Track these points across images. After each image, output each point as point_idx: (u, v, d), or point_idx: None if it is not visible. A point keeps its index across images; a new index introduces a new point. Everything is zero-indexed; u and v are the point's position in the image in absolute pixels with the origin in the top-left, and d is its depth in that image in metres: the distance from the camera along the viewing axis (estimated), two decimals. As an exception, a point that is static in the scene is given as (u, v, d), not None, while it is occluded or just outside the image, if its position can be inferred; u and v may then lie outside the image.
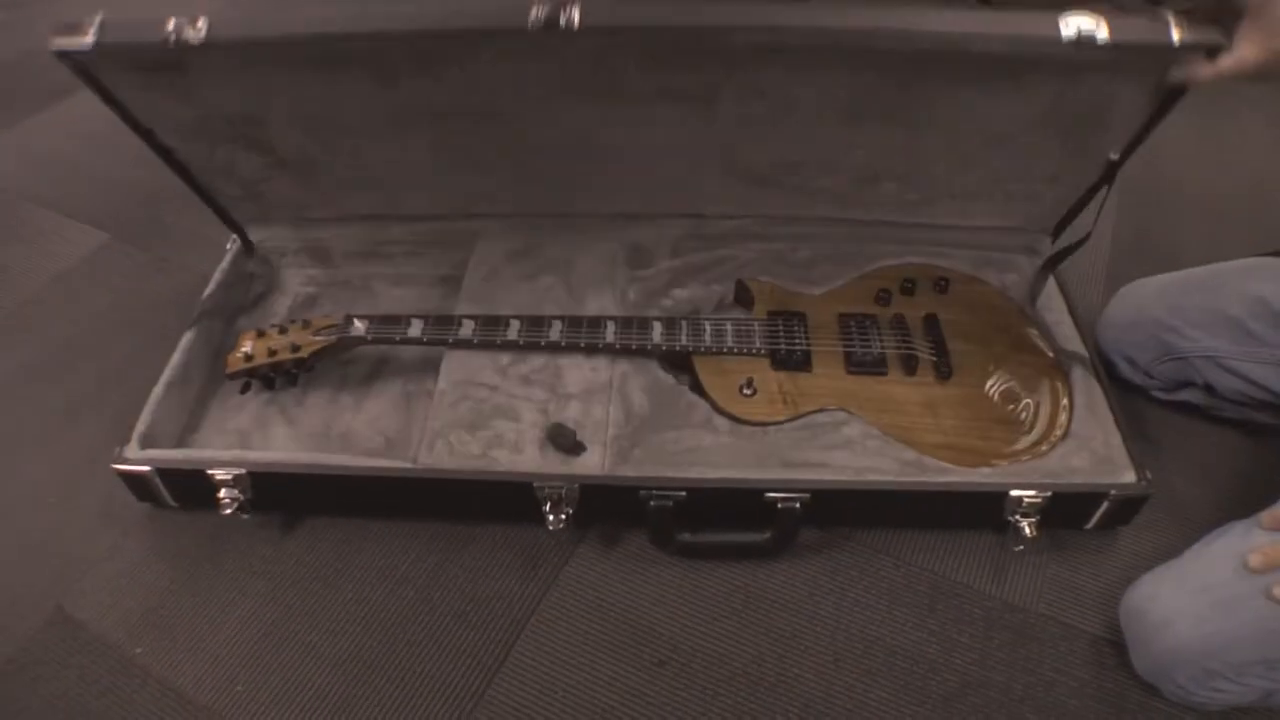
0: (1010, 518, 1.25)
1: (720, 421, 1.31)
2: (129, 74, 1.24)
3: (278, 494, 1.32)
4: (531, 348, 1.39)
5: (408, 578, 1.30)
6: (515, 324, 1.39)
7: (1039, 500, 1.23)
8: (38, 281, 1.77)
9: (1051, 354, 1.41)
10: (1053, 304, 1.48)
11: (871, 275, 1.52)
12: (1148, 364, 1.44)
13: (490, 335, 1.39)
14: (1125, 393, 1.46)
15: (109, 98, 1.27)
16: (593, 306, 1.47)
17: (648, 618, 1.25)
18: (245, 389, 1.44)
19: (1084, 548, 1.32)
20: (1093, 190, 1.44)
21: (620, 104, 1.31)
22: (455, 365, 1.39)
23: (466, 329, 1.40)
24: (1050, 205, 1.51)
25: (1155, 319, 1.41)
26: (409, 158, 1.45)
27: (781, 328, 1.41)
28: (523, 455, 1.28)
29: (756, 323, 1.41)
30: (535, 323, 1.39)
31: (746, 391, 1.33)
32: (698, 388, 1.36)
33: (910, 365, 1.36)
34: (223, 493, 1.29)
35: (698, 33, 1.17)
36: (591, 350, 1.39)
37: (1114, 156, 1.35)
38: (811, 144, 1.40)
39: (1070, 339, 1.42)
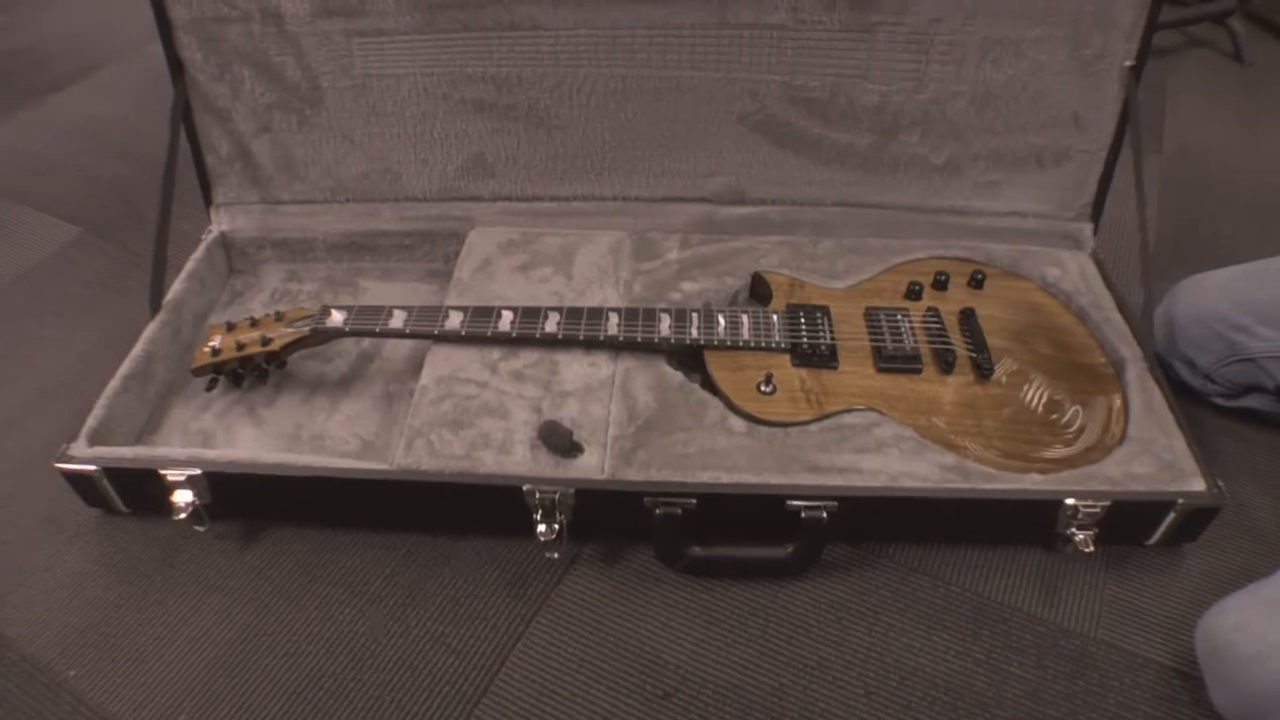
0: (1064, 530, 1.06)
1: (736, 422, 1.12)
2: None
3: (238, 499, 1.13)
4: (526, 341, 1.20)
5: (379, 596, 1.10)
6: (508, 315, 1.21)
7: (1097, 510, 1.04)
8: (2, 276, 1.59)
9: (1101, 352, 1.22)
10: (1100, 301, 1.28)
11: (900, 269, 1.33)
12: (1210, 366, 1.24)
13: (480, 327, 1.20)
14: (1181, 399, 1.26)
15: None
16: (594, 300, 1.29)
17: (652, 644, 1.05)
18: (211, 386, 1.25)
19: (1146, 566, 1.12)
20: (1120, 132, 1.31)
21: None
22: (440, 360, 1.20)
23: (454, 320, 1.21)
24: (1081, 168, 1.35)
25: (1220, 316, 1.21)
26: (418, 104, 1.36)
27: (804, 321, 1.21)
28: (511, 456, 1.08)
29: (776, 315, 1.22)
30: (530, 314, 1.21)
31: (765, 389, 1.14)
32: (710, 385, 1.17)
33: (947, 362, 1.17)
34: (176, 496, 1.10)
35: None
36: (592, 344, 1.20)
37: (1129, 63, 1.27)
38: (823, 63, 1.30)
39: (1121, 336, 1.23)
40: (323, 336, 1.24)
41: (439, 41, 1.30)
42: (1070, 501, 1.04)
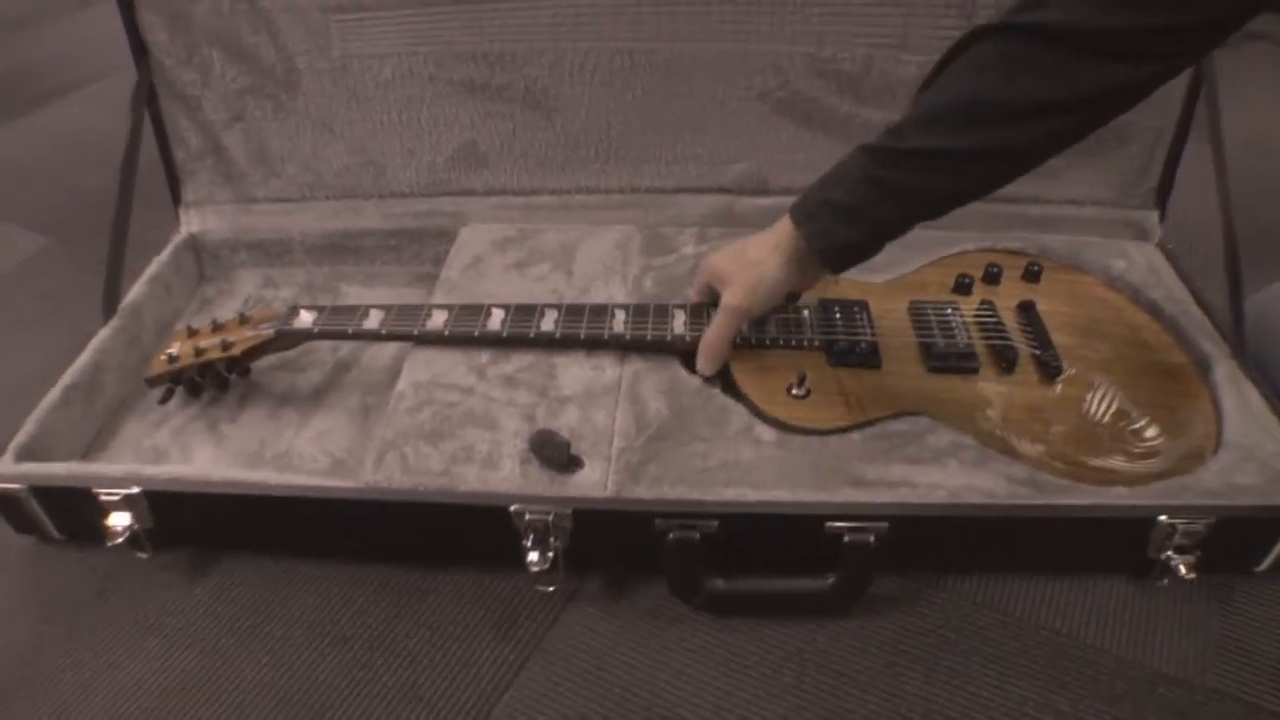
0: (1159, 556, 0.85)
1: (764, 430, 0.91)
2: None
3: (184, 524, 0.94)
4: (518, 342, 1.01)
5: (345, 637, 0.89)
6: (499, 314, 1.01)
7: (1199, 530, 0.83)
8: (-44, 290, 1.41)
9: (1180, 350, 1.02)
10: (1175, 294, 1.08)
11: (945, 262, 1.13)
12: None
13: (467, 326, 1.01)
14: None
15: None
16: (599, 298, 1.09)
17: (666, 696, 0.83)
18: (166, 398, 1.05)
19: (1257, 599, 0.89)
20: (1190, 105, 1.13)
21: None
22: (420, 364, 1.01)
23: (438, 320, 1.02)
24: (1145, 148, 1.17)
25: None
26: (403, 87, 1.18)
27: (839, 315, 1.02)
28: (498, 472, 0.88)
29: (807, 310, 1.03)
30: (524, 312, 1.01)
31: (797, 391, 0.93)
32: (732, 390, 0.97)
33: (1008, 360, 0.96)
34: (112, 519, 0.90)
35: None
36: (595, 344, 1.01)
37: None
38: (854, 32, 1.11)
39: (1203, 330, 1.02)
40: (290, 340, 1.05)
41: (423, 15, 1.13)
42: (1164, 519, 0.83)
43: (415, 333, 1.01)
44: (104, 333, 1.10)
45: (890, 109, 1.14)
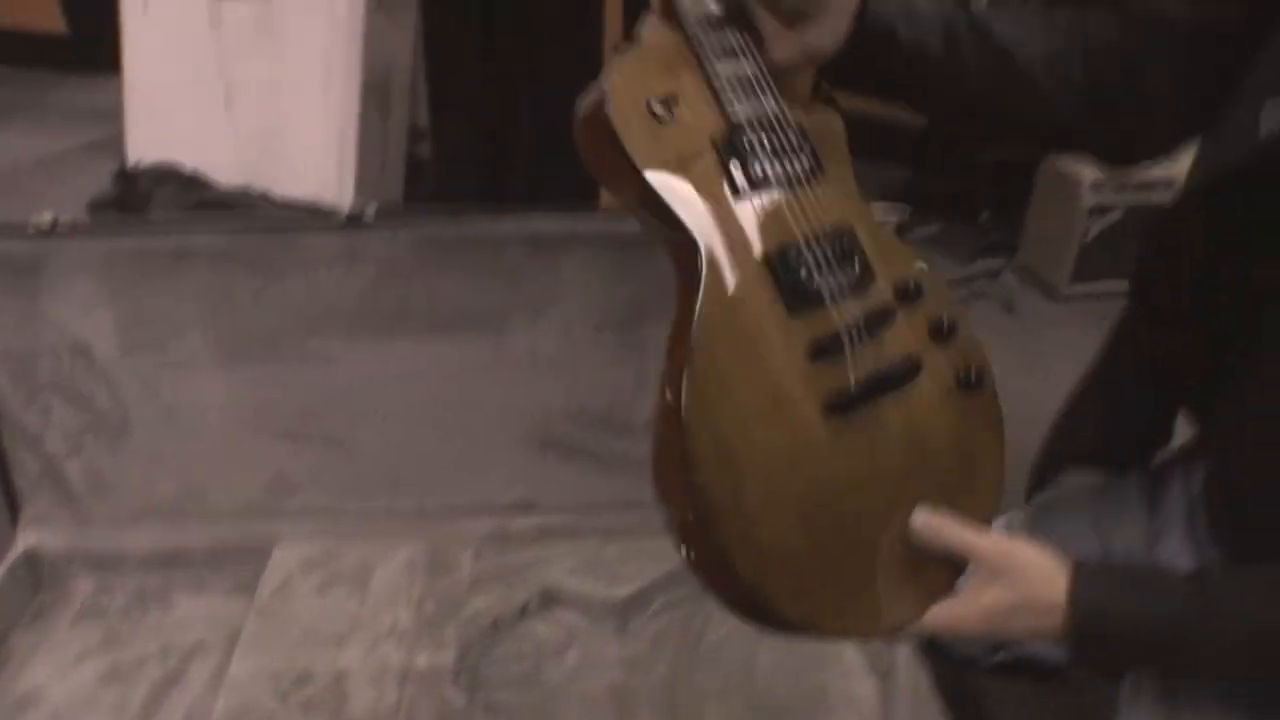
0: None
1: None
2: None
3: None
4: None
5: None
6: None
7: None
8: None
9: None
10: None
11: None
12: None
13: None
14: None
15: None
16: (386, 621, 1.33)
17: None
18: None
19: None
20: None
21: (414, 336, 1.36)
22: (234, 692, 1.22)
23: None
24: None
25: None
26: (223, 429, 1.42)
27: (775, 130, 0.72)
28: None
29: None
30: None
31: (660, 109, 0.69)
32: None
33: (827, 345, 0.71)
34: None
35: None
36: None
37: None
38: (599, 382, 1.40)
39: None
40: None
41: (242, 374, 1.38)
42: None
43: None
44: (-65, 653, 1.27)
45: (629, 439, 1.42)
